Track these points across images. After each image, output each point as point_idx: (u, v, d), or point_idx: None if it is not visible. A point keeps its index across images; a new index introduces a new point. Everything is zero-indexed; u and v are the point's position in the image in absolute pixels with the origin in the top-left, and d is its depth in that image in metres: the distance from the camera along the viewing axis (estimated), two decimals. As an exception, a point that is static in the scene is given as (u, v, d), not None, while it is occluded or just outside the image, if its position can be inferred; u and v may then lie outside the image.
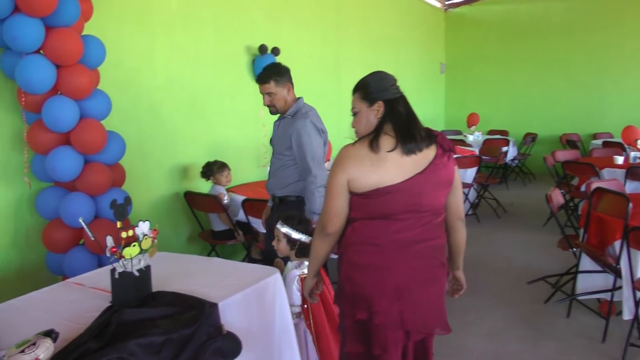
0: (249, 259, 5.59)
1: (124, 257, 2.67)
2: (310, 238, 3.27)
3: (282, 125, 4.10)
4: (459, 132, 11.73)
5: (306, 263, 3.36)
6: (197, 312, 2.60)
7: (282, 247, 3.46)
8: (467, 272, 2.89)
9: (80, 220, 2.78)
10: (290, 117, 4.03)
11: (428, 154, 2.53)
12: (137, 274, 2.70)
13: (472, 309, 4.83)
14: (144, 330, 2.42)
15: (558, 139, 11.05)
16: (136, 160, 5.11)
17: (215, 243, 5.67)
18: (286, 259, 3.58)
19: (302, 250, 3.41)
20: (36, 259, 4.37)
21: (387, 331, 2.54)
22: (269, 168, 4.26)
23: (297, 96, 4.14)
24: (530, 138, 10.66)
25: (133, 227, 2.75)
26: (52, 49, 3.79)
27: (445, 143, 2.59)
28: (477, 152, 8.63)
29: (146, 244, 2.77)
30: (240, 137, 6.49)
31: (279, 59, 6.54)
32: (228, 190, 5.76)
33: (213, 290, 2.87)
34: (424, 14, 12.09)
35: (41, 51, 3.83)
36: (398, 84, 2.63)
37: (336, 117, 7.48)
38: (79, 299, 2.87)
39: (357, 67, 8.75)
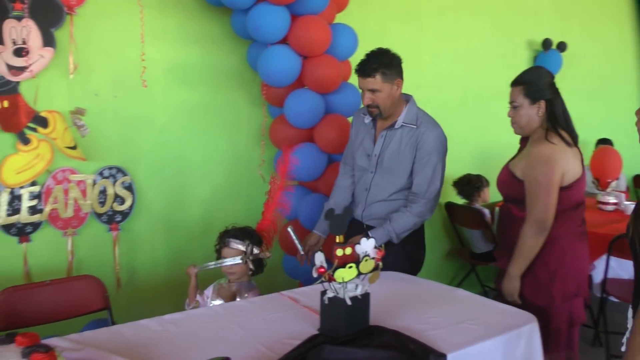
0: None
1: (335, 280, 2.18)
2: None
3: (395, 137, 3.14)
4: None
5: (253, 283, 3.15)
6: (417, 363, 2.03)
7: (240, 268, 3.07)
8: None
9: (289, 230, 2.35)
10: (412, 126, 3.12)
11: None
12: (349, 302, 2.19)
13: None
14: (342, 378, 1.92)
15: None
16: (393, 164, 4.69)
17: (475, 264, 5.01)
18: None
19: (260, 267, 3.14)
20: (276, 260, 4.13)
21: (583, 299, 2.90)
22: (365, 189, 3.26)
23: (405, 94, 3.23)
24: None
25: (353, 244, 2.25)
26: (297, 39, 3.52)
27: None
28: None
29: (366, 266, 2.24)
30: (515, 144, 5.73)
31: (565, 55, 5.67)
32: (493, 204, 5.09)
33: (446, 334, 2.27)
34: None
35: (287, 42, 3.58)
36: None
37: (631, 128, 6.32)
38: (285, 319, 2.47)
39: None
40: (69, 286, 2.98)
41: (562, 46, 5.70)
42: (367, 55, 3.10)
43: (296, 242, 2.43)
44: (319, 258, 2.19)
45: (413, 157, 3.09)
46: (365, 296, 2.27)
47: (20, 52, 3.12)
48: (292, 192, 3.46)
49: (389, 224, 3.07)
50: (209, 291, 3.10)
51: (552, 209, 2.73)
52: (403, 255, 3.12)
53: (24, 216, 3.23)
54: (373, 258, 2.26)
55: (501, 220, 3.07)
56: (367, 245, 2.26)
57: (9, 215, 3.20)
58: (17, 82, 3.17)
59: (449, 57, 5.08)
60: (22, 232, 3.25)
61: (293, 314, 2.51)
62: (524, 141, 3.01)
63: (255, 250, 3.05)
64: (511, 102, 2.87)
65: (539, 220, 2.73)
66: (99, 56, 3.46)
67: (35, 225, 3.29)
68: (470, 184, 4.91)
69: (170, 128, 3.75)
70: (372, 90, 3.05)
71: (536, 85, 2.80)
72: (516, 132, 2.96)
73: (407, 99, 3.21)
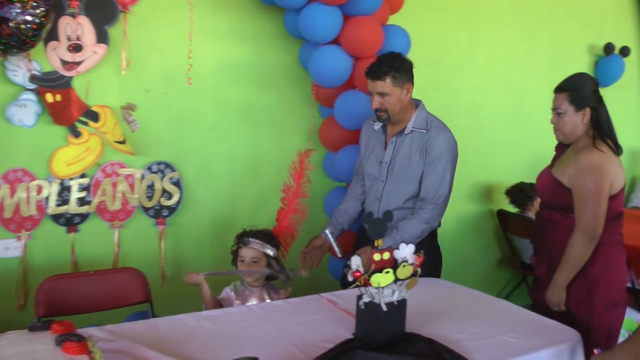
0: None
1: (370, 284, 2.15)
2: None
3: (405, 142, 3.09)
4: None
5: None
6: (450, 374, 1.98)
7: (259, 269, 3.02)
8: None
9: (327, 232, 2.33)
10: (422, 130, 3.05)
11: None
12: (385, 308, 2.16)
13: None
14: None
15: None
16: (444, 168, 4.61)
17: (526, 274, 4.89)
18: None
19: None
20: (322, 260, 4.13)
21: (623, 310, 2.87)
22: (377, 199, 3.20)
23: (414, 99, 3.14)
24: None
25: (391, 249, 2.21)
26: (348, 39, 3.49)
27: None
28: None
29: (404, 272, 2.20)
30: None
31: (628, 61, 5.45)
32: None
33: (484, 345, 2.21)
34: None
35: (339, 42, 3.56)
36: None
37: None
38: (322, 321, 2.45)
39: None
40: (112, 277, 3.02)
41: (625, 51, 5.43)
42: (379, 58, 3.02)
43: (334, 244, 2.40)
44: (356, 262, 2.16)
45: (424, 162, 3.04)
46: (402, 302, 2.23)
47: (74, 48, 3.18)
48: (307, 197, 3.41)
49: (397, 232, 2.99)
50: (227, 294, 3.04)
51: (602, 218, 2.68)
52: None
53: (72, 207, 3.31)
54: (412, 264, 2.22)
55: (540, 227, 2.99)
56: (405, 251, 2.23)
57: (58, 205, 3.27)
58: (70, 77, 3.23)
59: (506, 60, 4.95)
60: (70, 222, 3.32)
61: (330, 317, 2.49)
62: (560, 148, 2.98)
63: (276, 265, 3.03)
64: (555, 109, 2.82)
65: (589, 229, 2.68)
66: (151, 53, 3.51)
67: (83, 217, 3.36)
68: (523, 193, 4.78)
69: (220, 125, 3.77)
70: (382, 94, 2.98)
71: (581, 92, 2.76)
72: (559, 139, 2.92)
73: (417, 104, 3.15)
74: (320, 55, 3.48)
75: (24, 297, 3.27)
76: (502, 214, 4.91)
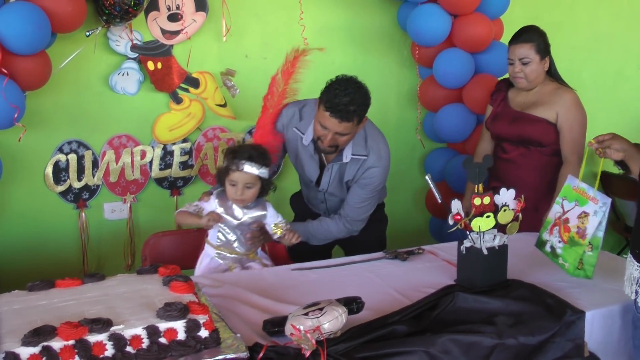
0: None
1: (471, 229, 2.13)
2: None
3: (342, 168, 2.84)
4: None
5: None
6: (554, 318, 1.94)
7: (253, 196, 2.59)
8: None
9: (427, 178, 2.32)
10: (362, 157, 2.78)
11: None
12: (485, 252, 2.14)
13: None
14: (473, 325, 1.88)
15: None
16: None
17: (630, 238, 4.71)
18: None
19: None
20: (422, 222, 4.20)
21: None
22: (321, 202, 3.04)
23: None
24: None
25: (491, 193, 2.19)
26: (443, -4, 3.47)
27: None
28: None
29: (505, 217, 2.18)
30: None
31: None
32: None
33: (587, 292, 2.19)
34: None
35: (437, 0, 3.55)
36: None
37: None
38: (423, 270, 2.48)
39: None
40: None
41: None
42: (343, 93, 2.61)
43: (434, 190, 2.39)
44: (456, 205, 2.15)
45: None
46: (503, 248, 2.20)
47: (174, 17, 3.28)
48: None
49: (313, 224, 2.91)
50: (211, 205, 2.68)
51: None
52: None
53: (175, 171, 3.45)
54: (512, 209, 2.19)
55: (510, 162, 3.18)
56: (508, 195, 2.20)
57: (161, 169, 3.43)
58: (171, 45, 3.34)
59: (609, 16, 4.73)
60: (173, 185, 3.47)
61: (431, 266, 2.52)
62: (498, 94, 3.24)
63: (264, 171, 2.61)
64: (521, 59, 3.04)
65: (580, 156, 2.95)
66: (250, 19, 3.58)
67: (186, 180, 3.49)
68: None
69: (320, 89, 3.73)
70: (340, 134, 2.63)
71: (544, 42, 3.06)
72: (521, 86, 3.12)
73: None
74: (419, 14, 3.48)
75: (131, 258, 3.44)
76: (605, 176, 4.73)
